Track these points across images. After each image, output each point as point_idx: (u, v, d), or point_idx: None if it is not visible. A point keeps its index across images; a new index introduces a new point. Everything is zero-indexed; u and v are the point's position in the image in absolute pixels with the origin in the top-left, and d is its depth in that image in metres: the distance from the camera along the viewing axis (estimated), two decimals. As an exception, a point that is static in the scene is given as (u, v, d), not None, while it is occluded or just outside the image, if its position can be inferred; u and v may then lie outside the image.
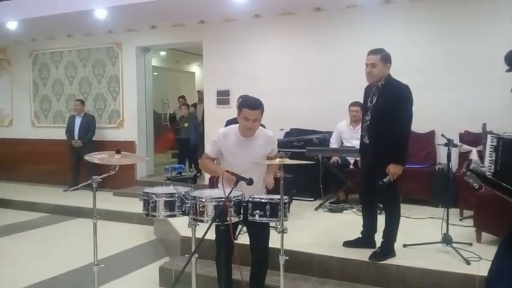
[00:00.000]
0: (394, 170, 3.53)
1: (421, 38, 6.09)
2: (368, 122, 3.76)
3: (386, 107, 3.58)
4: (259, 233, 3.15)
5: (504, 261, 0.78)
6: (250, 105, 3.11)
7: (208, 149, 3.33)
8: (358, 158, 5.29)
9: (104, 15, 7.10)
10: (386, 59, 3.66)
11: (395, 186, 3.66)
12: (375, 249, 3.74)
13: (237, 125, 3.27)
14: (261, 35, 7.13)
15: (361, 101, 4.05)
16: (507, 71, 0.95)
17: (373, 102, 3.71)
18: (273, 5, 6.75)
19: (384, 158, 3.56)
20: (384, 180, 3.53)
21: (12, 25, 7.81)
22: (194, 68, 12.38)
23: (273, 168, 3.25)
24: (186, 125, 8.68)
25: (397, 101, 3.56)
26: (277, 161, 2.98)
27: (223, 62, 7.41)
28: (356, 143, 5.43)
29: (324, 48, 6.67)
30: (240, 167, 3.09)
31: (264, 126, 3.44)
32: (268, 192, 3.23)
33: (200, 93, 9.30)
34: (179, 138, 8.94)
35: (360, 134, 4.03)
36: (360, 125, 4.43)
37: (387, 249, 3.69)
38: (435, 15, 6.03)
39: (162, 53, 10.89)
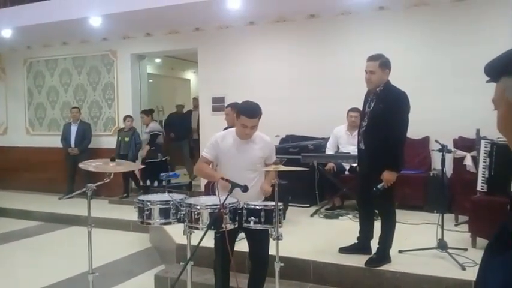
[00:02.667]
0: (388, 176, 3.53)
1: (416, 44, 6.13)
2: (364, 128, 3.77)
3: (383, 113, 3.59)
4: (259, 241, 3.12)
5: (487, 261, 0.79)
6: (249, 114, 3.09)
7: (206, 151, 3.27)
8: (353, 164, 5.31)
9: (98, 23, 7.10)
10: (385, 65, 3.65)
11: (391, 193, 3.67)
12: (370, 256, 3.74)
13: (234, 128, 3.26)
14: (256, 42, 7.15)
15: (360, 107, 4.05)
16: (488, 81, 0.95)
17: (370, 108, 3.72)
18: (267, 12, 6.79)
19: (379, 164, 3.56)
20: (378, 186, 3.53)
21: (6, 33, 7.78)
22: (189, 75, 12.38)
23: (270, 177, 3.23)
24: (126, 139, 7.73)
25: (394, 107, 3.57)
26: (272, 167, 2.98)
27: (218, 69, 7.41)
28: (352, 149, 5.45)
29: (319, 54, 6.69)
30: (237, 170, 3.06)
31: None
32: (265, 199, 3.22)
33: (195, 100, 9.29)
34: (118, 153, 7.44)
35: (356, 139, 4.04)
36: (356, 131, 4.44)
37: (383, 255, 3.69)
38: (429, 21, 6.07)
39: (157, 60, 10.88)
